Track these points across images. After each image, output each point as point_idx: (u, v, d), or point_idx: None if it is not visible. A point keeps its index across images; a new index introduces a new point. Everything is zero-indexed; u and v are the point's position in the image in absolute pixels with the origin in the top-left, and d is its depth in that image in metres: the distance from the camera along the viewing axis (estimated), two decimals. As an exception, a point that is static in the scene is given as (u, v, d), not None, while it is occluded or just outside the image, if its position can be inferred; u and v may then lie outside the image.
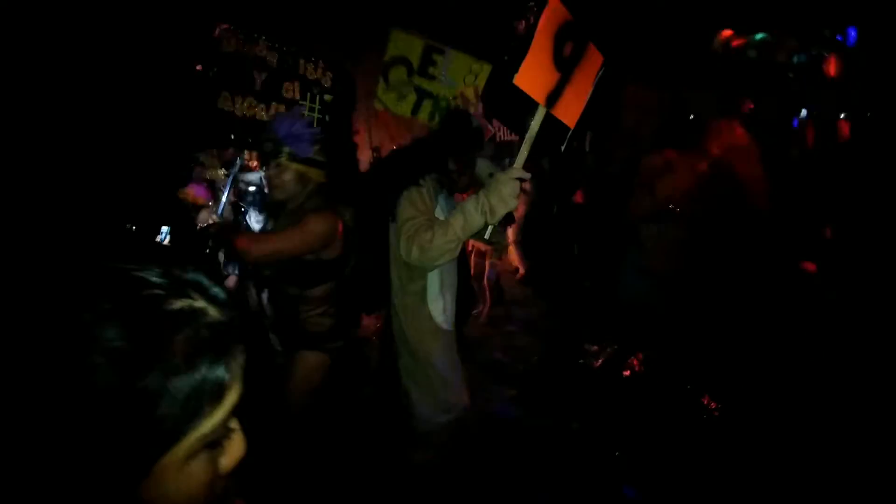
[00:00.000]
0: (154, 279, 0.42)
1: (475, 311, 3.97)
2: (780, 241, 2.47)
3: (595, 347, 3.01)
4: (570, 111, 1.41)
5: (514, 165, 1.40)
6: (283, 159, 1.60)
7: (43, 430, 0.37)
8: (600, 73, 1.43)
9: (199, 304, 0.42)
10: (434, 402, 1.74)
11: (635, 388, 2.57)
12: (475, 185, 1.95)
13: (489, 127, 3.25)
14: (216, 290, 0.45)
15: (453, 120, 1.89)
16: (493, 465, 2.14)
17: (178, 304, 0.41)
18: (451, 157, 1.79)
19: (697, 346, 2.42)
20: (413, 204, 1.64)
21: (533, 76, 1.27)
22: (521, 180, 1.41)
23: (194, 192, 3.36)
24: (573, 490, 2.01)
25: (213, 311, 0.43)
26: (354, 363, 1.98)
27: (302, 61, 2.52)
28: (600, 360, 2.95)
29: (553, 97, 1.34)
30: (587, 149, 4.81)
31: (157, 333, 0.39)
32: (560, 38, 1.28)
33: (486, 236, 1.55)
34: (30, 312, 0.39)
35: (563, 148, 1.58)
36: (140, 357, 0.38)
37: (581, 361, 3.02)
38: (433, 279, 1.76)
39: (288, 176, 1.62)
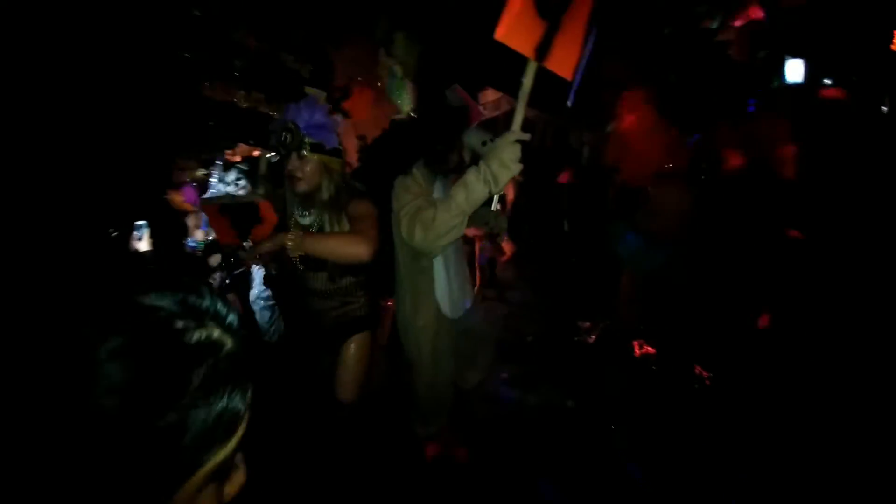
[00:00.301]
0: (169, 307, 0.40)
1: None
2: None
3: (588, 324, 3.05)
4: (565, 63, 1.30)
5: (512, 128, 1.34)
6: (306, 151, 1.55)
7: (59, 473, 0.35)
8: (592, 18, 1.33)
9: (216, 334, 0.41)
10: (430, 393, 1.78)
11: (629, 363, 2.62)
12: (469, 161, 1.84)
13: (474, 104, 3.22)
14: (231, 318, 0.43)
15: (430, 101, 1.86)
16: (492, 445, 2.17)
17: (196, 335, 0.40)
18: (434, 139, 1.73)
19: (696, 314, 2.42)
20: (407, 189, 1.60)
21: (516, 29, 1.18)
22: (521, 142, 1.35)
23: (183, 196, 3.30)
24: (573, 469, 2.05)
25: (229, 342, 0.42)
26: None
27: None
28: (594, 337, 3.00)
29: (543, 49, 1.24)
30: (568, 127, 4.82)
31: (175, 370, 0.38)
32: None
33: (494, 207, 1.50)
34: (39, 351, 0.37)
35: (569, 103, 1.55)
36: (158, 395, 0.37)
37: (575, 339, 3.06)
38: (439, 268, 1.72)
39: (311, 168, 1.57)
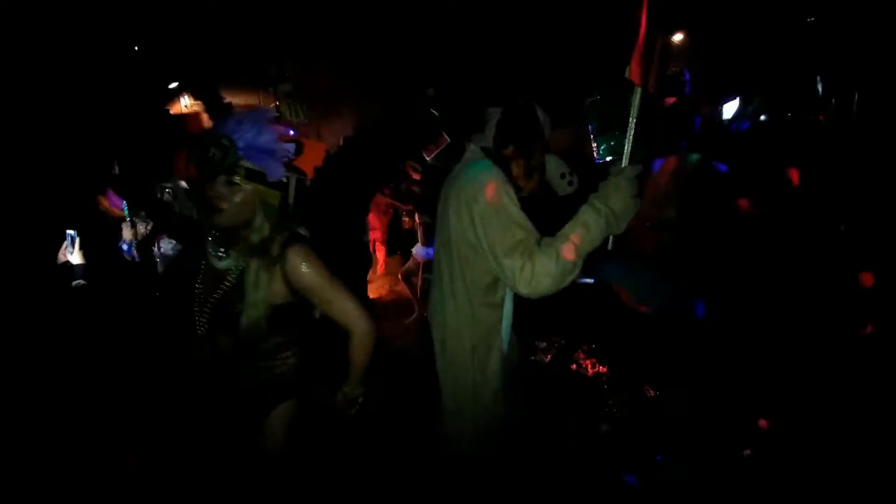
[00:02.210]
0: None
1: (408, 320, 3.99)
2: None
3: (544, 343, 3.07)
4: (652, 79, 1.33)
5: (626, 163, 1.29)
6: (239, 178, 1.22)
7: None
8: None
9: None
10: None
11: (586, 381, 2.64)
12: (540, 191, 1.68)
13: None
14: None
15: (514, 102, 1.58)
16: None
17: None
18: (514, 146, 1.52)
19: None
20: (510, 205, 1.37)
21: (640, 65, 1.26)
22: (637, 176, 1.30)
23: (110, 202, 3.13)
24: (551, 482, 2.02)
25: None
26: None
27: None
28: (549, 356, 3.01)
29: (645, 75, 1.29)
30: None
31: None
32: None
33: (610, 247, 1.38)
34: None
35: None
36: None
37: (532, 358, 3.06)
38: (508, 306, 1.54)
39: (241, 199, 1.24)
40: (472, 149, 1.58)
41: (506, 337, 1.56)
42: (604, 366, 2.61)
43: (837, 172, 2.46)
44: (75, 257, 2.66)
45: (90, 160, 2.56)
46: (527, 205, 1.46)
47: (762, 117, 3.29)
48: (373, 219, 5.14)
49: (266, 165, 1.25)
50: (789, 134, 2.82)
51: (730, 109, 3.59)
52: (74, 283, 2.92)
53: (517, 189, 1.48)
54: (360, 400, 1.41)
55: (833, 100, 3.17)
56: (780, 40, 3.65)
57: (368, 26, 4.40)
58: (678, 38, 4.82)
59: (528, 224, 1.39)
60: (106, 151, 2.55)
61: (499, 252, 1.34)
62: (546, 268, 1.29)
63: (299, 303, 1.36)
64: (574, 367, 2.67)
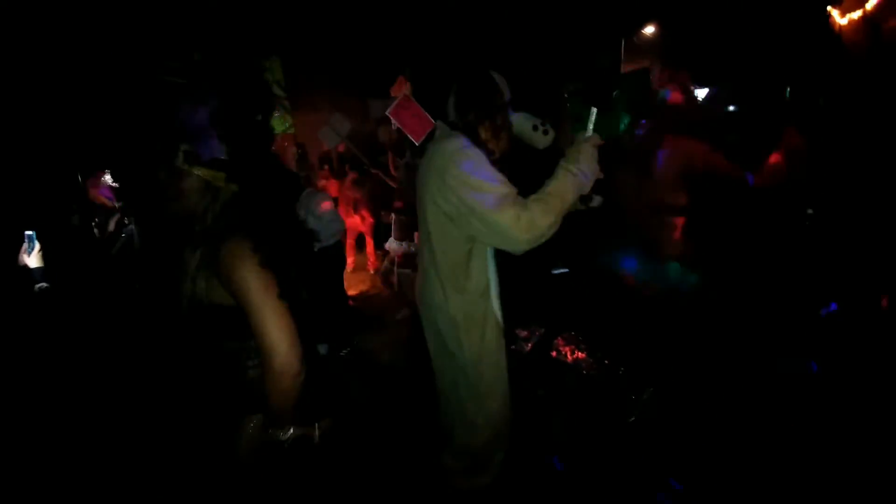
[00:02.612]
0: None
1: (399, 316, 3.99)
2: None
3: (525, 332, 3.11)
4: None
5: (588, 133, 1.42)
6: (179, 161, 1.11)
7: None
8: None
9: None
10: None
11: (565, 368, 2.69)
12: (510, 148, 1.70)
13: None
14: None
15: (466, 71, 1.63)
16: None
17: None
18: (474, 112, 1.57)
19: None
20: (481, 166, 1.41)
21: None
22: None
23: (100, 191, 3.10)
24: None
25: None
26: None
27: None
28: (530, 345, 3.05)
29: None
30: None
31: None
32: None
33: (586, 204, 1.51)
34: None
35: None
36: None
37: (513, 347, 3.10)
38: (493, 272, 1.56)
39: (188, 184, 1.14)
40: (440, 125, 1.66)
41: (497, 305, 1.59)
42: (582, 352, 2.67)
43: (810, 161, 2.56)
44: (33, 259, 2.55)
45: (51, 160, 2.45)
46: (505, 166, 1.53)
47: (731, 107, 3.40)
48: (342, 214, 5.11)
49: (202, 144, 1.13)
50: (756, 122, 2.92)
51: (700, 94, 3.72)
52: (37, 286, 2.82)
53: (489, 153, 1.52)
54: (288, 441, 1.16)
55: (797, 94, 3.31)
56: (751, 34, 3.76)
57: (343, 19, 4.34)
58: (649, 30, 4.93)
59: (506, 180, 1.45)
60: (69, 150, 2.45)
61: (485, 210, 1.38)
62: (544, 214, 1.37)
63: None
64: (554, 354, 2.72)
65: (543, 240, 1.40)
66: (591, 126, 1.44)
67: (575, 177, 1.40)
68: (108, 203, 3.11)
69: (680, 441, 2.11)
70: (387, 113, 3.09)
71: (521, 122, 1.69)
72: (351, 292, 4.80)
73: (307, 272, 1.24)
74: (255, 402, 1.19)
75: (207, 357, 1.25)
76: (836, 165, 2.56)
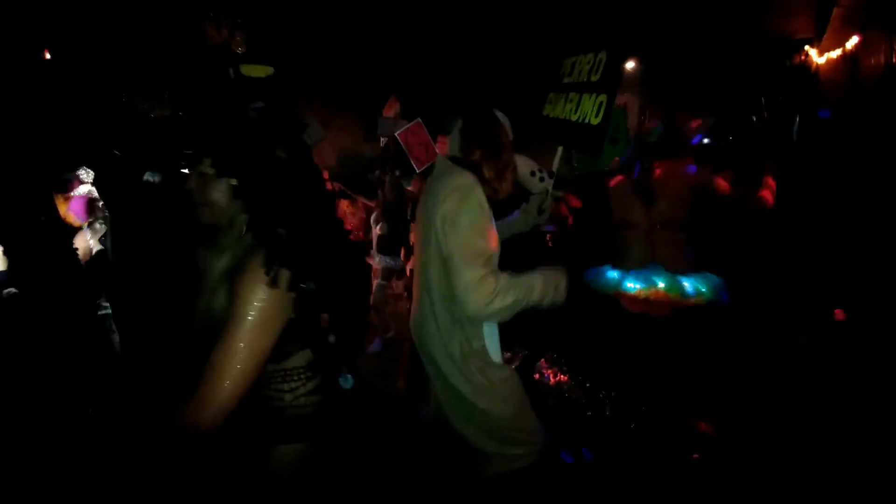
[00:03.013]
0: None
1: (383, 338, 3.92)
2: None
3: (508, 354, 3.06)
4: None
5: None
6: (207, 167, 1.07)
7: None
8: None
9: None
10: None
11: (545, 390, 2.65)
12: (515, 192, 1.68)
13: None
14: None
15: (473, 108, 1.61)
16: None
17: None
18: (480, 150, 1.51)
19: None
20: (483, 216, 1.39)
21: None
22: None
23: (69, 207, 2.91)
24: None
25: None
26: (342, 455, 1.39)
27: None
28: (514, 366, 3.00)
29: None
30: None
31: None
32: None
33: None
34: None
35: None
36: None
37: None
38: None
39: (218, 192, 1.08)
40: (441, 161, 1.60)
41: (493, 346, 1.52)
42: (565, 374, 2.63)
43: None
44: None
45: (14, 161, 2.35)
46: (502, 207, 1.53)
47: (705, 140, 3.51)
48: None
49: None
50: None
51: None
52: (4, 291, 2.70)
53: (494, 192, 1.50)
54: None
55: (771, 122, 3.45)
56: (727, 67, 3.91)
57: (336, 30, 4.38)
58: (630, 65, 5.09)
59: (495, 242, 1.41)
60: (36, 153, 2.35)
61: (458, 258, 1.34)
62: (507, 292, 1.34)
63: (288, 325, 1.06)
64: (537, 376, 2.68)
65: (490, 317, 1.39)
66: (556, 163, 1.50)
67: (551, 291, 1.44)
68: (77, 222, 2.89)
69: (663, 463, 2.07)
70: (395, 134, 3.10)
71: (520, 164, 1.68)
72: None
73: (336, 295, 1.15)
74: (291, 428, 1.13)
75: None
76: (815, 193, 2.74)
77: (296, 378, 1.13)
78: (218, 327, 1.00)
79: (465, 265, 1.33)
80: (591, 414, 2.40)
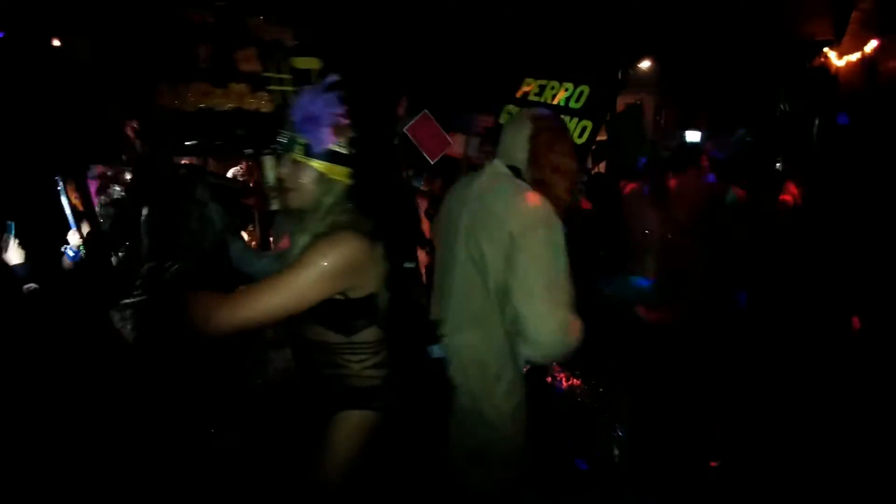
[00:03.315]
0: None
1: None
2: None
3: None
4: None
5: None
6: (297, 154, 1.15)
7: None
8: None
9: None
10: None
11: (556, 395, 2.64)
12: None
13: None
14: None
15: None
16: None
17: None
18: (548, 158, 1.39)
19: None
20: (559, 248, 1.27)
21: None
22: None
23: (76, 193, 2.88)
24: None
25: None
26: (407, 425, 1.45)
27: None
28: (525, 369, 2.99)
29: None
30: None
31: None
32: None
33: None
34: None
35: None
36: None
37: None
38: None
39: (307, 178, 1.16)
40: (496, 165, 1.43)
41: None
42: (577, 379, 2.62)
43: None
44: (13, 254, 2.40)
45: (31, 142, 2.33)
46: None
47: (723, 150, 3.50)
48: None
49: (312, 135, 1.15)
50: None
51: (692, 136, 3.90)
52: (26, 287, 2.68)
53: (556, 209, 1.34)
54: None
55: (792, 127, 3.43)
56: (745, 68, 3.88)
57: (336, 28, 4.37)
58: (646, 64, 5.05)
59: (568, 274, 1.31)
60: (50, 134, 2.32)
61: (535, 287, 1.24)
62: (578, 330, 1.27)
63: (356, 303, 1.18)
64: (549, 379, 2.67)
65: (553, 356, 1.33)
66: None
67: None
68: (82, 208, 2.83)
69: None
70: (404, 130, 3.05)
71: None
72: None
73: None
74: (354, 396, 1.24)
75: (305, 350, 1.27)
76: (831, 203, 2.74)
77: (363, 351, 1.23)
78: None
79: (541, 296, 1.24)
80: (606, 419, 2.39)
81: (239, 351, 1.45)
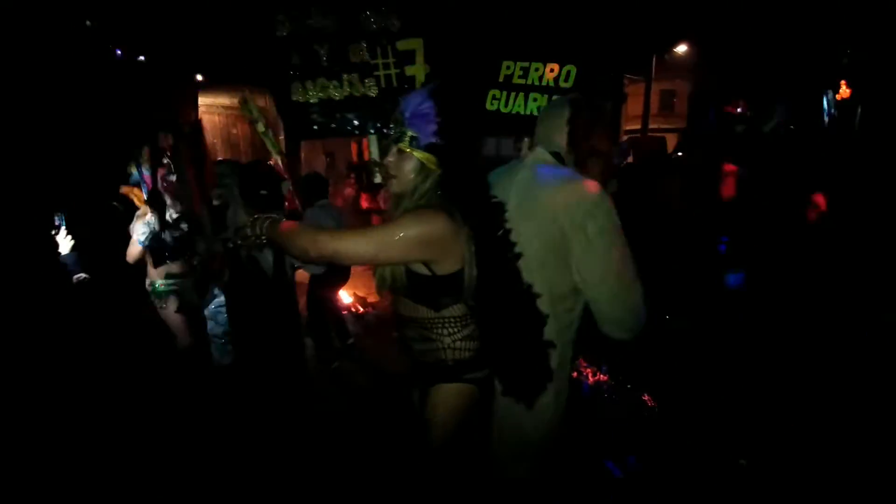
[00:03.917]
0: None
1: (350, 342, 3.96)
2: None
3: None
4: None
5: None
6: (405, 145, 1.31)
7: None
8: None
9: None
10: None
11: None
12: None
13: None
14: None
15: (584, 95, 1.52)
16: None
17: None
18: (589, 145, 1.43)
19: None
20: (621, 232, 1.32)
21: None
22: None
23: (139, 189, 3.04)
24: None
25: None
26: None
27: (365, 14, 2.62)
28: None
29: None
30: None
31: None
32: None
33: None
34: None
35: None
36: None
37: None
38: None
39: (409, 166, 1.32)
40: (539, 152, 1.45)
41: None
42: (605, 374, 2.60)
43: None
44: (63, 245, 2.52)
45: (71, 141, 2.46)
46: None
47: (766, 127, 3.34)
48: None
49: (420, 129, 1.29)
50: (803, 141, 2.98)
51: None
52: (76, 277, 2.82)
53: None
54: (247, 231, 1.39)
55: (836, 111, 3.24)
56: (787, 51, 3.68)
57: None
58: (682, 48, 4.86)
59: None
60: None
61: (623, 274, 1.30)
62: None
63: (442, 280, 1.30)
64: (575, 374, 2.66)
65: (637, 331, 1.36)
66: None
67: None
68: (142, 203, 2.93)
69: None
70: None
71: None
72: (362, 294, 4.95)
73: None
74: (448, 370, 1.37)
75: (402, 327, 1.42)
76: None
77: (451, 325, 1.36)
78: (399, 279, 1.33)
79: (634, 284, 1.31)
80: (634, 419, 2.38)
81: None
